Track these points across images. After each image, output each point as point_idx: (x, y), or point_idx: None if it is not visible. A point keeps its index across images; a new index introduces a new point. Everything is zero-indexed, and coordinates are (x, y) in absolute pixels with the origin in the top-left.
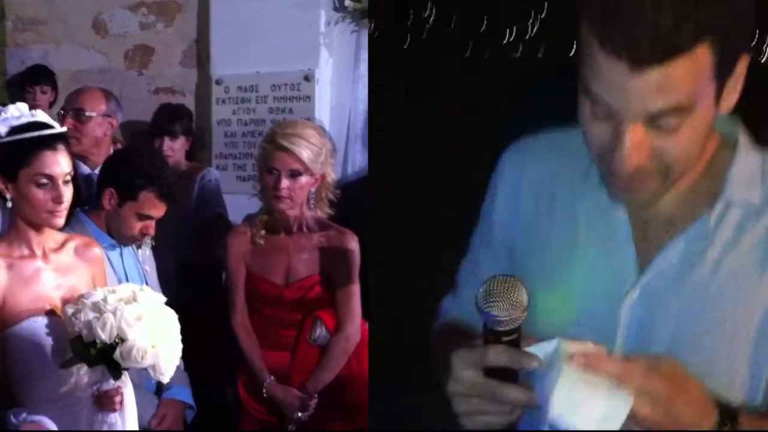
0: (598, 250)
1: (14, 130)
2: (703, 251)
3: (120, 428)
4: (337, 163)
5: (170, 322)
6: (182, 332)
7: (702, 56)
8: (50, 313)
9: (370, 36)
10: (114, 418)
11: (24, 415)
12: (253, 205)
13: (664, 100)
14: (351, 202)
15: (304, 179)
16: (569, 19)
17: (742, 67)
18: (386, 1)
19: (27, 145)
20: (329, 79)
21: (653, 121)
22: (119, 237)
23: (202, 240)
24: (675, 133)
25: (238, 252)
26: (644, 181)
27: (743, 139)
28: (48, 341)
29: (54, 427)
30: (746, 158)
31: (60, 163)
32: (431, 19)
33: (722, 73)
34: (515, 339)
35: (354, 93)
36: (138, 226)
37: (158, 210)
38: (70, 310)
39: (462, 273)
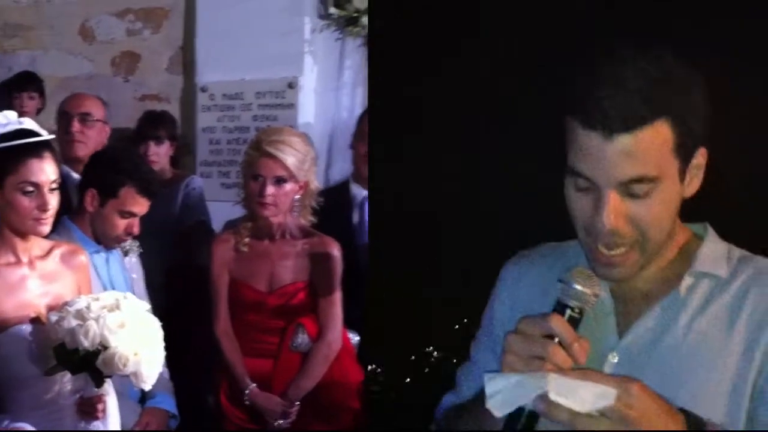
0: (584, 322)
1: (1, 138)
2: (675, 317)
3: None
4: (319, 171)
5: (153, 329)
6: (166, 339)
7: (663, 131)
8: (35, 321)
9: (370, 38)
10: (96, 426)
11: (6, 422)
12: (238, 213)
13: (632, 167)
14: (331, 209)
15: (288, 186)
16: None
17: (700, 159)
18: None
19: (13, 153)
20: (313, 87)
21: (627, 188)
22: (104, 238)
23: (184, 247)
24: (646, 199)
25: (222, 259)
26: (624, 254)
27: (711, 233)
28: (33, 349)
29: None
30: (714, 243)
31: (46, 171)
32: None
33: (682, 152)
34: (576, 320)
35: (338, 101)
36: (122, 224)
37: (140, 206)
38: (53, 318)
39: (461, 372)
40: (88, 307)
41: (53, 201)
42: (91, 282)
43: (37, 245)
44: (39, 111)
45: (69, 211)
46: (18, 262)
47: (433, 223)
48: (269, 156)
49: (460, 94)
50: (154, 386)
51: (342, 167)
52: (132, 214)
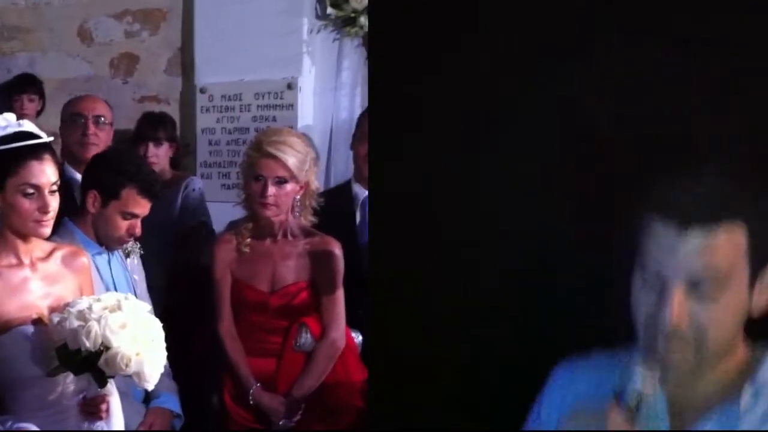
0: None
1: (1, 140)
2: (733, 427)
3: None
4: (320, 171)
5: (154, 329)
6: (169, 340)
7: (737, 234)
8: (37, 322)
9: (370, 36)
10: (100, 426)
11: (10, 423)
12: (238, 214)
13: (704, 263)
14: (333, 209)
15: (289, 186)
16: None
17: None
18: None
19: (13, 155)
20: (312, 88)
21: (694, 286)
22: (106, 240)
23: (185, 248)
24: (712, 303)
25: (224, 260)
26: (681, 349)
27: None
28: (35, 350)
29: None
30: None
31: (46, 173)
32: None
33: (754, 261)
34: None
35: (336, 101)
36: (123, 225)
37: (142, 207)
38: (55, 319)
39: None
40: (89, 308)
41: (54, 203)
42: (94, 284)
43: (38, 247)
44: (39, 113)
45: (72, 213)
46: (20, 263)
47: (433, 222)
48: (270, 156)
49: (461, 93)
50: (158, 386)
51: (343, 168)
52: (134, 215)
